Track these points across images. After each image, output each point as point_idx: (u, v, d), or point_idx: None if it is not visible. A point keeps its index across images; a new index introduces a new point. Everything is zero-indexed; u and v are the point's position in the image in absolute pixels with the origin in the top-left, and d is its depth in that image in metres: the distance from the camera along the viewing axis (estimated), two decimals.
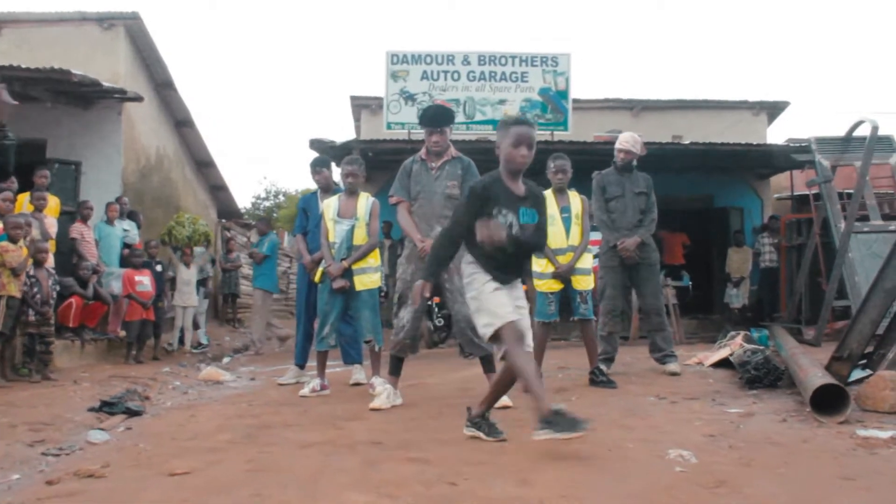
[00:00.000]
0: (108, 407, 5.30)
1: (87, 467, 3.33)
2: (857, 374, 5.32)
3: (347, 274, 5.73)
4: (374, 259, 5.93)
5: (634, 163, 6.60)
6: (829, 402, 4.20)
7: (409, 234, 5.24)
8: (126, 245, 10.06)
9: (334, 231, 5.83)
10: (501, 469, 3.06)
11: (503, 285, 3.68)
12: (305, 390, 5.77)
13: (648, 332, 6.65)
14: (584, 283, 5.93)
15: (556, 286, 5.90)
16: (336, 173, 7.94)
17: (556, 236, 5.80)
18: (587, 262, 6.01)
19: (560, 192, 5.96)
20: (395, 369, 5.19)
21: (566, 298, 6.03)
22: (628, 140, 6.57)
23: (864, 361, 5.45)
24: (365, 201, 5.89)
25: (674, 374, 6.25)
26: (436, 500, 2.59)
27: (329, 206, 5.94)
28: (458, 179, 5.21)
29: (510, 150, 3.69)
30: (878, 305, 5.35)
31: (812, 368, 4.86)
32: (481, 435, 3.73)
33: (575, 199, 5.95)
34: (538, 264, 5.92)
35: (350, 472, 3.05)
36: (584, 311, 5.89)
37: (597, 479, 2.89)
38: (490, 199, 3.68)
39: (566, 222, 5.89)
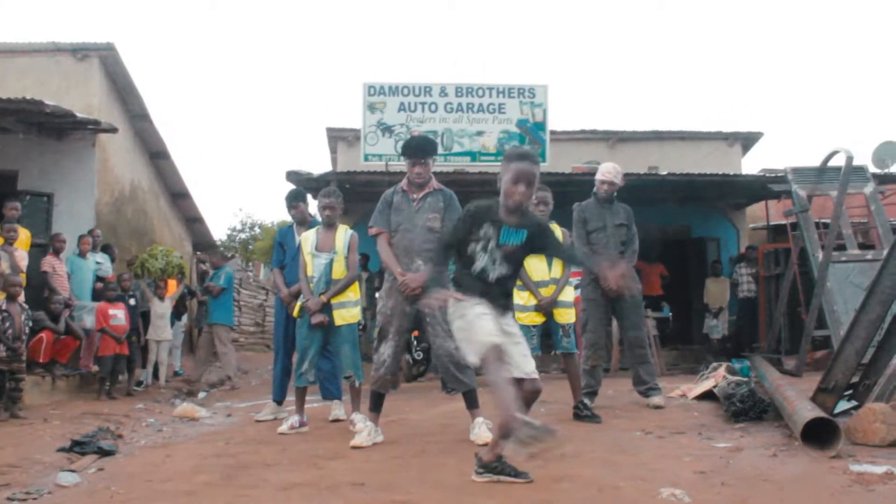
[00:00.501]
0: (79, 447, 5.13)
1: None
2: (842, 406, 5.30)
3: (326, 308, 5.63)
4: (354, 293, 5.83)
5: (614, 194, 6.56)
6: (817, 434, 4.15)
7: (390, 266, 5.14)
8: (99, 278, 9.89)
9: (312, 265, 5.72)
10: None
11: (491, 311, 3.57)
12: (284, 427, 5.63)
13: (631, 364, 6.58)
14: (565, 316, 5.85)
15: (538, 319, 5.81)
16: (312, 206, 7.86)
17: (537, 269, 5.78)
18: (569, 294, 5.94)
19: None
20: (376, 405, 5.06)
21: (548, 331, 5.96)
22: (611, 171, 6.52)
23: (849, 392, 5.43)
24: (343, 234, 5.80)
25: (658, 406, 6.18)
26: None
27: (307, 239, 5.85)
28: (440, 212, 5.11)
29: (509, 185, 3.61)
30: (862, 336, 5.33)
31: (800, 401, 4.82)
32: (505, 479, 3.51)
33: (556, 232, 5.87)
34: (520, 297, 5.80)
35: None
36: (566, 344, 5.81)
37: None
38: (477, 222, 3.64)
39: (548, 255, 5.81)
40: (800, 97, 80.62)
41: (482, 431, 4.77)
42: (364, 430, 4.89)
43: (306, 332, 5.69)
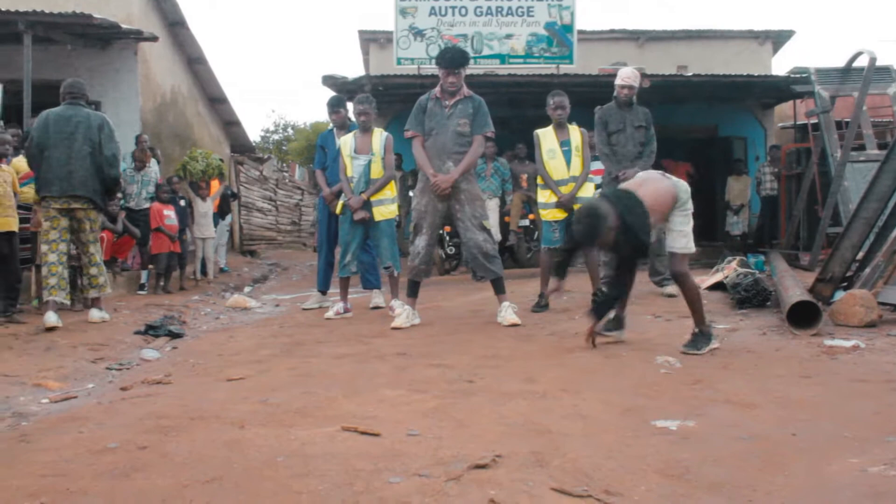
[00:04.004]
0: (152, 330, 5.84)
1: (152, 377, 3.85)
2: (839, 295, 5.75)
3: (367, 206, 6.16)
4: (391, 191, 6.35)
5: (634, 97, 6.90)
6: (807, 318, 4.66)
7: (423, 167, 5.65)
8: None
9: (352, 166, 6.23)
10: (512, 371, 3.56)
11: None
12: (330, 313, 6.27)
13: (648, 256, 7.08)
14: None
15: (559, 215, 6.27)
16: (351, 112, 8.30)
17: (557, 168, 6.23)
18: (588, 191, 6.37)
19: (560, 126, 6.29)
20: (413, 292, 5.66)
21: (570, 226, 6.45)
22: (630, 76, 6.86)
23: (845, 284, 5.90)
24: (379, 137, 6.28)
25: (671, 295, 6.70)
26: (457, 393, 3.09)
27: (346, 143, 6.34)
28: (469, 118, 5.58)
29: None
30: (858, 232, 5.78)
31: (794, 289, 5.32)
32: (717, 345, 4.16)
33: (575, 133, 6.30)
34: (542, 195, 6.35)
35: (383, 375, 3.56)
36: None
37: (592, 378, 3.39)
38: None
39: (566, 155, 6.23)
40: None
41: (508, 314, 5.38)
42: (403, 313, 5.52)
43: (349, 227, 6.24)
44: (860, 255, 5.90)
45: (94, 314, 6.38)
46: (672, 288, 6.80)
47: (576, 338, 4.64)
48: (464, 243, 5.73)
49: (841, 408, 2.89)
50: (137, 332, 5.80)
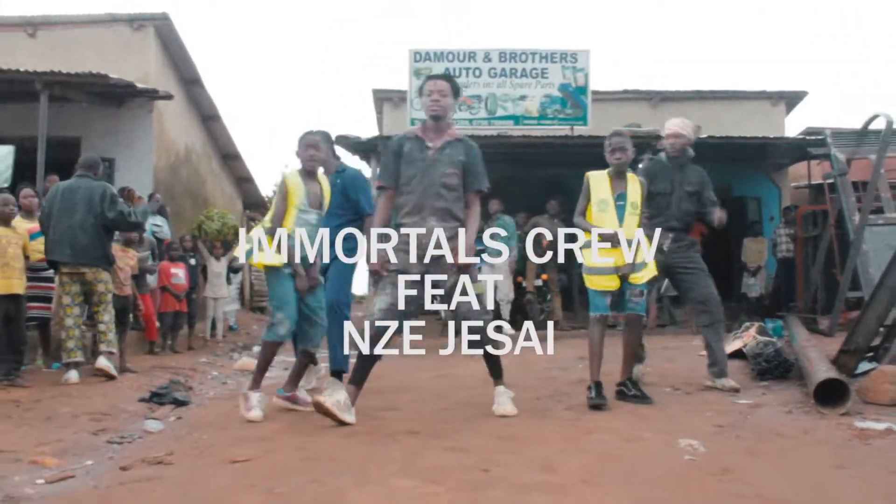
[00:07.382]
0: (157, 398, 5.70)
1: (153, 455, 3.69)
2: (863, 367, 5.57)
3: None
4: None
5: (691, 153, 5.79)
6: (833, 393, 4.47)
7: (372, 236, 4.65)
8: (158, 239, 10.44)
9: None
10: (530, 457, 3.38)
11: None
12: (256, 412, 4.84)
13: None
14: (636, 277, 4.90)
15: (611, 284, 4.91)
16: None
17: (607, 226, 4.85)
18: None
19: (618, 175, 4.94)
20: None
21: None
22: (678, 123, 5.77)
23: (870, 354, 5.72)
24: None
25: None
26: (473, 485, 2.91)
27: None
28: (459, 167, 4.51)
29: None
30: (884, 301, 5.62)
31: (819, 362, 5.14)
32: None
33: (634, 185, 4.94)
34: (587, 255, 4.93)
35: (395, 460, 3.38)
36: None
37: (614, 468, 3.21)
38: None
39: (620, 211, 4.85)
40: (845, 54, 78.08)
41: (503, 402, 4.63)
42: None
43: None
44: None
45: (102, 361, 6.55)
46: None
47: (596, 414, 4.49)
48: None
49: None
50: (142, 400, 5.66)
